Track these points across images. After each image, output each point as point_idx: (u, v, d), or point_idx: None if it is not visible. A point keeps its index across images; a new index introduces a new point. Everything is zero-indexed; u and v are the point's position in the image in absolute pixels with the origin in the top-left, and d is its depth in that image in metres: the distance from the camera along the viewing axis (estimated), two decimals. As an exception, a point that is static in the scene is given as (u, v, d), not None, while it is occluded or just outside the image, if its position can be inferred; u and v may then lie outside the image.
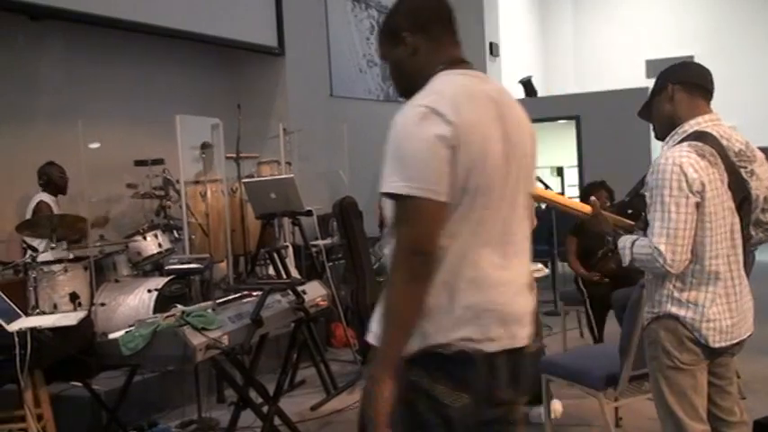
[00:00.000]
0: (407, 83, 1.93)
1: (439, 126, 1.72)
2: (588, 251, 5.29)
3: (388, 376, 1.73)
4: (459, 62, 1.92)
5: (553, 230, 7.51)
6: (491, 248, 1.82)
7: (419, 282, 1.72)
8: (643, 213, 2.53)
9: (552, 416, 3.94)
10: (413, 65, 1.93)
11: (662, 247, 2.37)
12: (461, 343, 1.77)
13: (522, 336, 1.88)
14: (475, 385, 1.80)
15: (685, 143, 2.47)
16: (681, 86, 2.56)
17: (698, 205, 2.39)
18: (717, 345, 2.45)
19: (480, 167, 1.77)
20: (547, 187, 4.66)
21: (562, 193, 9.20)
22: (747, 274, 2.57)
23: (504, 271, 1.84)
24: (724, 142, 2.49)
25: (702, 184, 2.38)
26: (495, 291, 1.82)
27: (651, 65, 13.44)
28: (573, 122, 9.66)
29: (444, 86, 1.83)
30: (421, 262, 1.71)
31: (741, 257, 2.50)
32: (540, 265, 5.03)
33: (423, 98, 1.79)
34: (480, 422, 1.86)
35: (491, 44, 12.05)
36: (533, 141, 1.96)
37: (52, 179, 5.84)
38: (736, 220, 2.47)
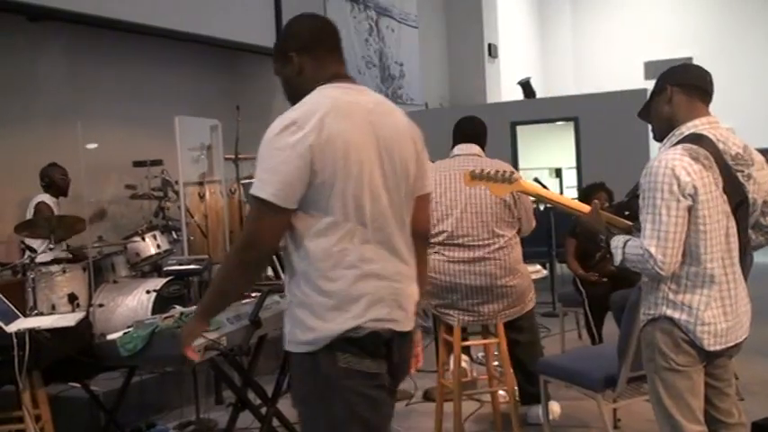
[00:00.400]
0: (296, 97, 2.12)
1: (295, 137, 1.94)
2: (587, 253, 5.29)
3: (201, 323, 2.21)
4: (339, 77, 2.14)
5: (551, 232, 7.52)
6: (377, 244, 2.04)
7: (246, 270, 2.03)
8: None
9: (550, 417, 3.94)
10: (299, 82, 2.15)
11: (652, 250, 2.38)
12: (371, 324, 2.00)
13: (412, 319, 2.15)
14: (387, 358, 2.07)
15: (680, 146, 2.47)
16: (679, 88, 2.57)
17: (690, 208, 2.40)
18: (711, 348, 2.45)
19: (346, 172, 1.98)
20: (545, 188, 4.65)
21: (560, 194, 9.20)
22: (745, 277, 2.57)
23: (394, 263, 2.08)
24: (720, 146, 2.49)
25: (695, 188, 2.38)
26: (391, 280, 2.06)
27: (650, 66, 13.46)
28: (571, 124, 9.66)
29: (314, 99, 2.05)
30: (252, 255, 2.00)
31: (737, 261, 2.50)
32: (538, 267, 5.03)
33: (292, 110, 2.02)
34: (393, 386, 2.14)
35: (490, 45, 12.06)
36: (416, 147, 2.19)
37: (54, 181, 5.84)
38: (732, 223, 2.47)
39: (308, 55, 2.14)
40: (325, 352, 1.99)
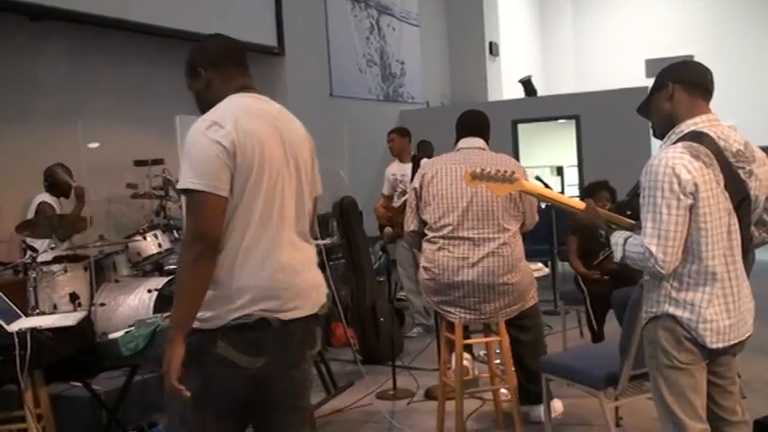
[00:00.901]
0: (206, 109, 2.30)
1: (219, 134, 2.14)
2: (588, 250, 5.28)
3: (179, 340, 2.13)
4: (246, 88, 2.37)
5: (553, 230, 7.51)
6: (283, 236, 2.24)
7: (201, 262, 2.11)
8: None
9: (553, 415, 3.94)
10: (208, 94, 2.36)
11: (653, 248, 2.38)
12: (263, 312, 2.18)
13: (314, 304, 2.34)
14: (272, 347, 2.20)
15: (680, 144, 2.46)
16: (681, 86, 2.56)
17: (691, 207, 2.39)
18: (714, 345, 2.45)
19: (260, 167, 2.19)
20: (546, 186, 4.65)
21: (562, 193, 9.20)
22: (747, 274, 2.57)
23: (296, 253, 2.29)
24: (721, 143, 2.48)
25: (696, 186, 2.38)
26: (292, 269, 2.25)
27: (651, 64, 13.44)
28: (573, 122, 9.67)
29: (227, 105, 2.27)
30: (203, 246, 2.10)
31: (740, 258, 2.50)
32: (540, 265, 5.02)
33: (210, 113, 2.23)
34: (280, 375, 2.27)
35: (491, 44, 12.06)
36: (311, 152, 2.46)
37: (58, 181, 5.82)
38: (734, 220, 2.47)
39: (214, 70, 2.36)
40: (209, 333, 2.15)
